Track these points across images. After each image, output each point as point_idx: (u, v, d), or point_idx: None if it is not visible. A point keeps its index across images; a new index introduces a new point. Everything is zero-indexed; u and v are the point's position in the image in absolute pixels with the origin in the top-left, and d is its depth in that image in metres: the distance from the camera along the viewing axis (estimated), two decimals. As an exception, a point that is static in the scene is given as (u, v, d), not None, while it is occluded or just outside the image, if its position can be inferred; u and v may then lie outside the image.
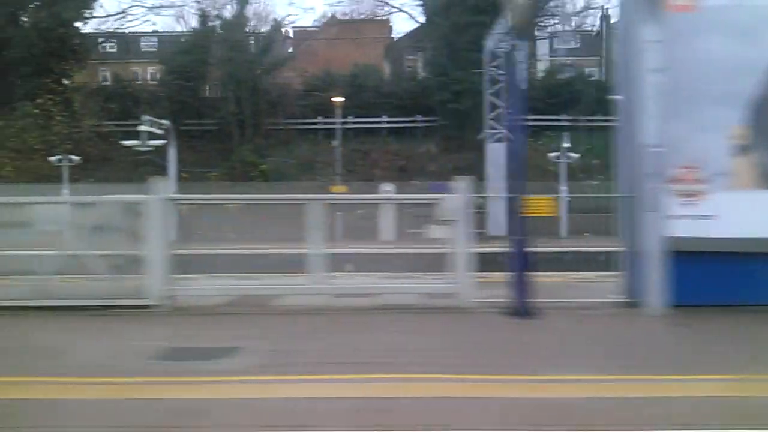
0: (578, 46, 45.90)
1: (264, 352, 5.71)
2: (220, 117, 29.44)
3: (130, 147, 23.62)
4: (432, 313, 8.01)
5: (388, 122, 31.53)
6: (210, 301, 8.49)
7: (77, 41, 30.42)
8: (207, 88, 31.01)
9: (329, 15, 43.84)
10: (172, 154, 23.98)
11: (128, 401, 4.48)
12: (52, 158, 24.68)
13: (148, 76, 41.38)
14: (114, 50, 40.58)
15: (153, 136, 22.37)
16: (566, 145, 23.85)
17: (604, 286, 9.98)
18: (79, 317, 7.69)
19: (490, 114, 24.78)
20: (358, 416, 4.07)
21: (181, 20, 37.66)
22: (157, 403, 4.41)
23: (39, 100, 28.02)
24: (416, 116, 31.67)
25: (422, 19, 34.86)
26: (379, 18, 44.06)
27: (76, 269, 8.31)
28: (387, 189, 23.93)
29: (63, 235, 8.35)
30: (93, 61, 33.22)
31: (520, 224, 7.53)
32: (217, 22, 30.84)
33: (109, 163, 27.92)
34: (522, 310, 7.42)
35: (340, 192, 23.80)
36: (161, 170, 27.97)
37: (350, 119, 31.61)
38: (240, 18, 30.63)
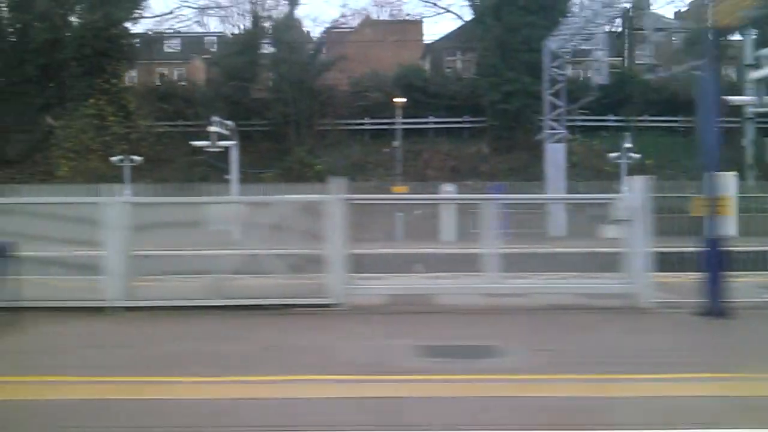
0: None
1: (523, 351, 5.73)
2: (272, 118, 29.46)
3: (198, 147, 23.58)
4: (614, 312, 7.97)
5: (435, 122, 31.52)
6: (376, 300, 8.52)
7: (128, 41, 30.51)
8: (258, 89, 30.99)
9: (364, 16, 43.81)
10: (234, 155, 23.99)
11: (469, 399, 4.48)
12: (114, 158, 24.69)
13: (176, 77, 41.57)
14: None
15: (221, 136, 22.40)
16: (628, 145, 23.84)
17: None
18: (265, 316, 7.74)
19: (549, 114, 24.78)
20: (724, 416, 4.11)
21: (227, 21, 37.75)
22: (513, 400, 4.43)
23: (91, 100, 28.06)
24: (464, 116, 31.69)
25: (468, 19, 34.87)
26: (413, 19, 44.13)
27: (254, 269, 8.34)
28: (448, 189, 23.99)
29: (239, 235, 8.39)
30: (142, 62, 33.31)
31: (715, 223, 7.55)
32: (269, 23, 30.87)
33: (164, 164, 27.96)
34: (717, 310, 7.44)
35: (402, 192, 23.80)
36: (218, 171, 28.08)
37: (399, 119, 31.71)
38: (290, 19, 30.67)
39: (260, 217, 8.45)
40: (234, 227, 8.42)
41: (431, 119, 31.49)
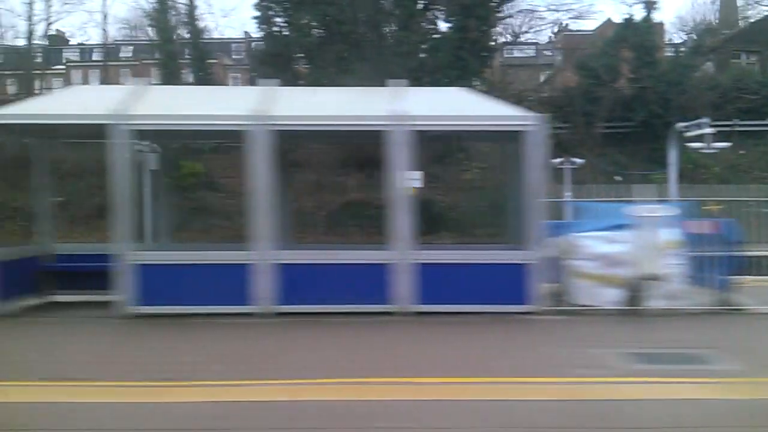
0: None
1: None
2: (637, 119, 29.39)
3: (697, 150, 23.27)
4: None
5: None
6: None
7: (491, 43, 30.43)
8: (620, 89, 30.95)
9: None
10: (673, 157, 23.81)
11: None
12: (555, 160, 24.41)
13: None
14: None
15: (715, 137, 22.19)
16: None
17: None
18: None
19: None
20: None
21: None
22: None
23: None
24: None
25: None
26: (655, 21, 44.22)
27: None
28: None
29: None
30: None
31: None
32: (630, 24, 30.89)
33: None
34: None
35: None
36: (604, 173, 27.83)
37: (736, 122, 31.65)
38: (649, 21, 30.70)
39: None
40: None
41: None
